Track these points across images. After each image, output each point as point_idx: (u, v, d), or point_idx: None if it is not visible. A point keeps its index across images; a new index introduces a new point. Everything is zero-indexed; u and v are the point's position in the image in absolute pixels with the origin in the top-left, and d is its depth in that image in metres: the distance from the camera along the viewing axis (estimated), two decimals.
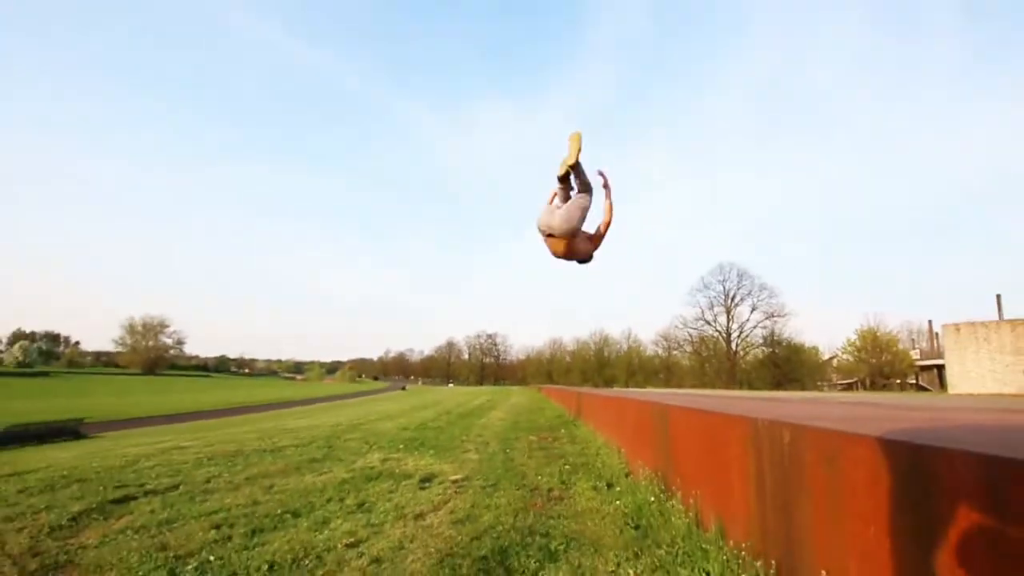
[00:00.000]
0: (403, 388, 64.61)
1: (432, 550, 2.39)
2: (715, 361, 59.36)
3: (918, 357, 45.89)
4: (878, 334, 49.48)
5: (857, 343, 51.68)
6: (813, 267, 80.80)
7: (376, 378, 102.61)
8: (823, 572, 1.38)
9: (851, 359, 52.07)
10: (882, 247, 75.41)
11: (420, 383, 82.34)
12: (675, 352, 66.51)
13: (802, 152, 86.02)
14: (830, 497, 1.38)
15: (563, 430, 7.41)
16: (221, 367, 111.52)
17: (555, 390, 17.19)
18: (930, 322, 46.79)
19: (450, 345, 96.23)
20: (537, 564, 2.19)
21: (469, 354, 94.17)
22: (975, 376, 21.06)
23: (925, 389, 40.54)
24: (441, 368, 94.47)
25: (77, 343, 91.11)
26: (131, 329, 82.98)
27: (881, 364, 48.10)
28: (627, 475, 3.84)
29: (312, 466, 4.61)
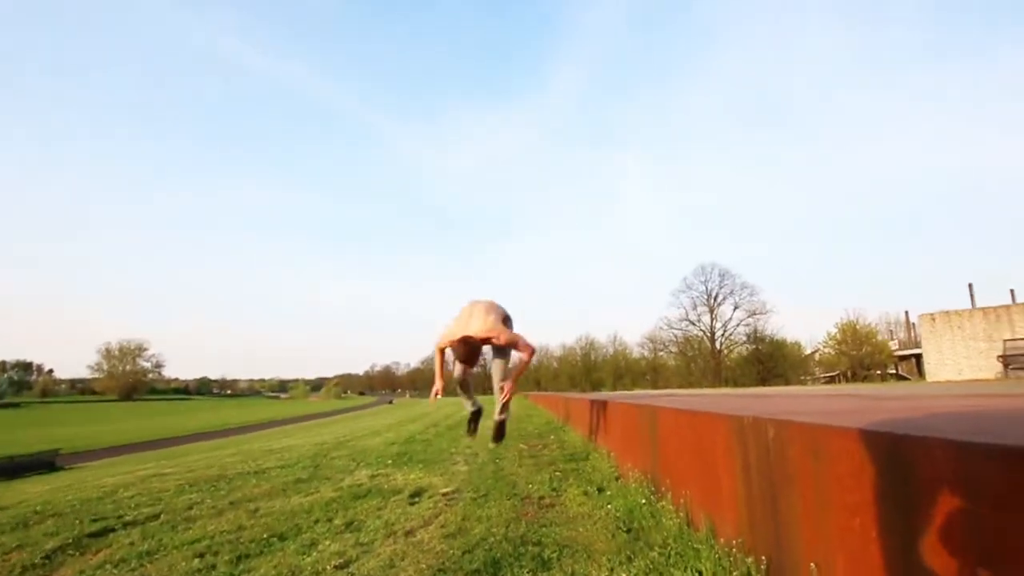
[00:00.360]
0: (390, 402, 63.86)
1: (424, 567, 2.35)
2: (700, 360, 60.00)
3: (896, 347, 46.98)
4: (857, 327, 50.58)
5: (838, 336, 52.74)
6: (793, 264, 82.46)
7: (362, 393, 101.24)
8: (812, 565, 1.39)
9: (832, 352, 53.06)
10: (859, 241, 77.32)
11: (408, 396, 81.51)
12: (661, 353, 67.04)
13: (778, 150, 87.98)
14: (816, 490, 1.40)
15: (552, 436, 7.38)
16: (202, 389, 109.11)
17: (543, 396, 17.18)
18: (907, 313, 47.99)
19: None
20: (530, 574, 2.16)
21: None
22: (951, 363, 21.60)
23: (904, 378, 41.45)
24: (429, 380, 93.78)
25: (51, 371, 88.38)
26: (107, 354, 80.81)
27: (861, 356, 49.13)
28: (617, 478, 3.83)
29: (298, 487, 4.51)
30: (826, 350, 54.45)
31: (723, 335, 57.56)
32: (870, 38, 78.09)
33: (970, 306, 23.92)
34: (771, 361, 54.38)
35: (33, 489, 7.41)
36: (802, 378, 53.87)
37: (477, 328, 3.79)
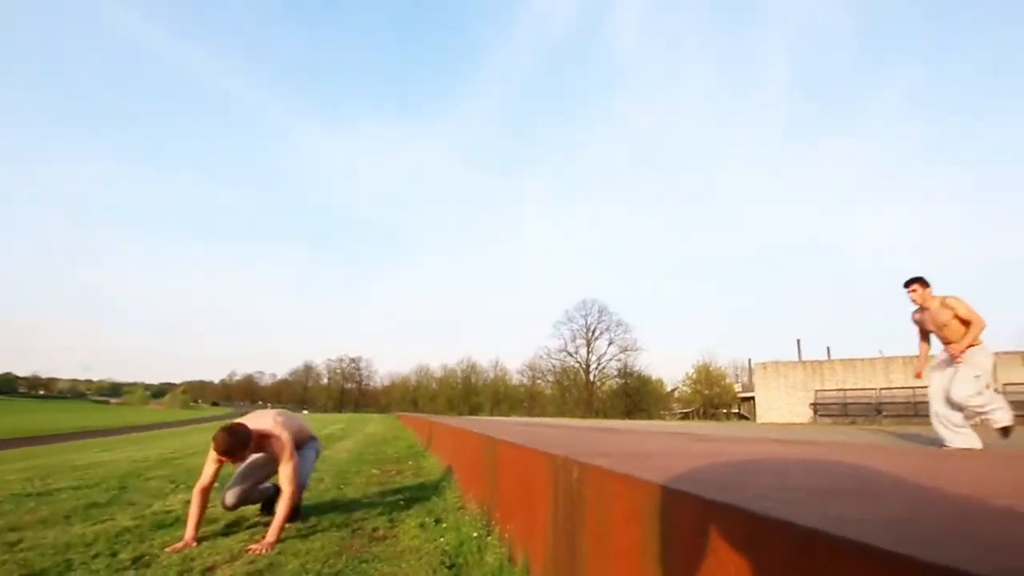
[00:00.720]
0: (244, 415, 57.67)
1: None
2: (575, 391, 62.97)
3: (740, 390, 53.23)
4: (711, 369, 56.73)
5: (694, 376, 58.56)
6: (663, 306, 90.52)
7: (216, 403, 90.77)
8: None
9: (689, 391, 58.70)
10: (722, 288, 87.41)
11: (270, 409, 74.59)
12: (539, 381, 69.27)
13: (659, 198, 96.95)
14: (600, 532, 1.45)
15: (411, 462, 7.15)
16: (6, 388, 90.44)
17: (412, 418, 16.70)
18: (750, 360, 54.67)
19: (307, 368, 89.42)
20: None
21: (329, 378, 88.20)
22: (776, 407, 24.93)
23: (745, 417, 46.95)
24: (296, 393, 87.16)
25: None
26: None
27: (712, 395, 55.06)
28: (459, 509, 3.77)
29: (88, 513, 3.82)
30: (684, 388, 60.13)
31: (597, 368, 61.23)
32: (746, 115, 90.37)
33: (796, 358, 27.89)
34: (637, 395, 58.82)
35: None
36: (662, 413, 58.76)
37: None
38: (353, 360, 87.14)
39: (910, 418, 21.21)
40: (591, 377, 61.21)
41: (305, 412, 65.12)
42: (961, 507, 0.95)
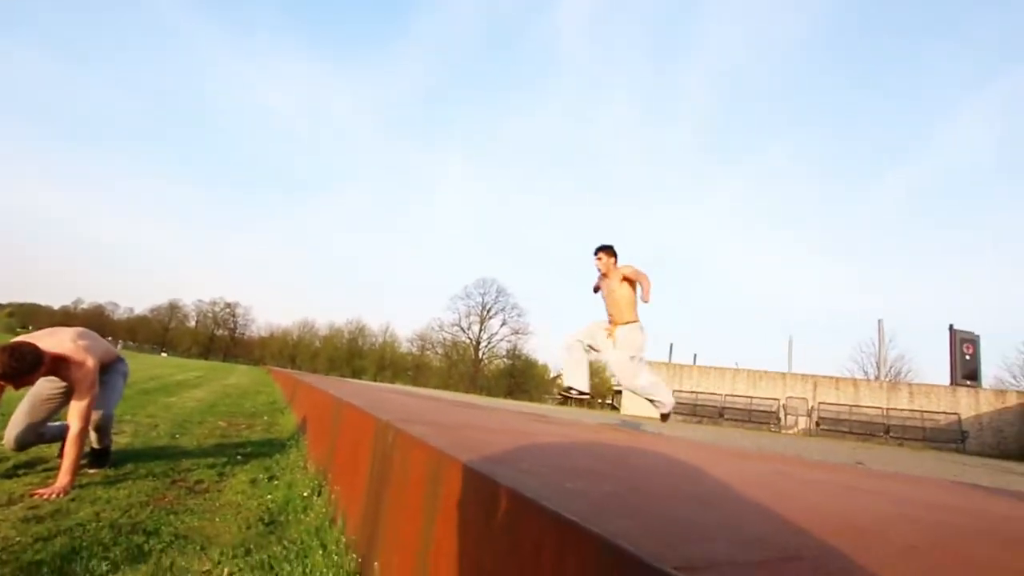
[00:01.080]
0: None
1: None
2: (462, 366, 63.75)
3: (616, 383, 57.29)
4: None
5: None
6: (555, 296, 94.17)
7: None
8: (376, 564, 1.48)
9: None
10: None
11: (120, 347, 66.65)
12: (428, 352, 69.06)
13: (565, 192, 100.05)
14: (400, 494, 1.50)
15: (266, 417, 6.80)
16: None
17: (284, 374, 15.87)
18: None
19: (173, 307, 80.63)
20: (109, 567, 1.85)
21: (198, 321, 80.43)
22: (638, 402, 27.25)
23: (615, 408, 50.74)
24: (156, 333, 78.44)
25: None
26: None
27: (591, 385, 58.45)
28: (300, 468, 3.67)
29: None
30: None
31: (487, 346, 62.41)
32: (660, 127, 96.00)
33: (667, 360, 30.60)
34: (522, 377, 61.07)
35: None
36: (544, 396, 61.59)
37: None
38: (229, 305, 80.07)
39: (745, 423, 24.38)
40: (480, 354, 62.33)
41: (164, 355, 58.96)
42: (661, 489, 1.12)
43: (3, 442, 3.05)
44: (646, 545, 0.54)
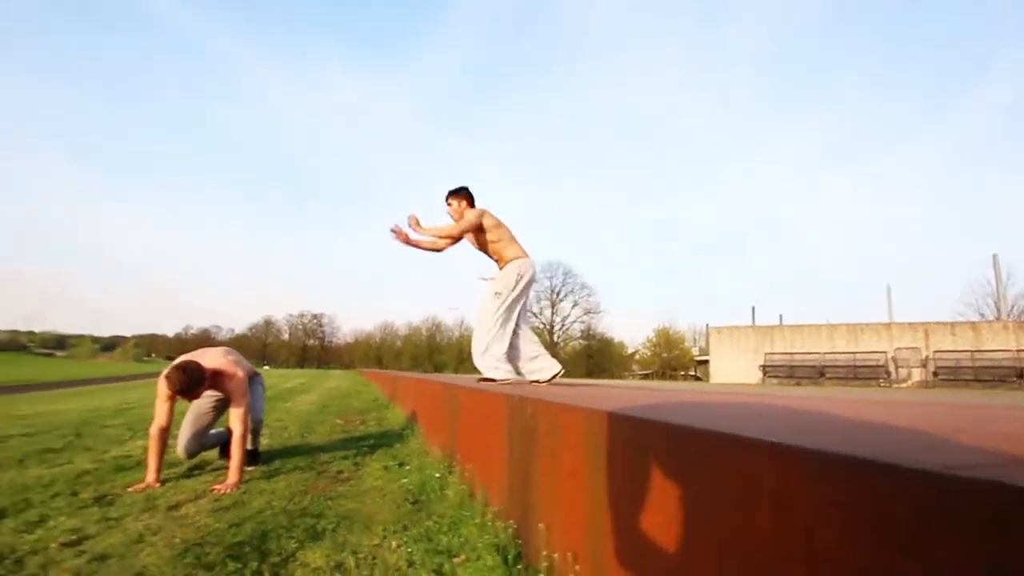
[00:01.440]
0: None
1: (177, 540, 2.14)
2: None
3: (697, 353, 55.43)
4: (670, 333, 58.65)
5: (654, 339, 60.42)
6: (626, 271, 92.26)
7: (170, 358, 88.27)
8: (540, 525, 1.58)
9: (649, 353, 60.66)
10: (686, 254, 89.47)
11: (216, 347, 73.14)
12: None
13: (625, 165, 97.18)
14: (553, 458, 1.58)
15: (374, 413, 7.28)
16: None
17: (377, 374, 16.82)
18: (707, 325, 57.13)
19: (268, 324, 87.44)
20: (297, 544, 2.10)
21: (290, 334, 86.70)
22: (728, 369, 26.24)
23: (699, 379, 49.24)
24: (255, 349, 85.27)
25: None
26: None
27: (670, 358, 57.15)
28: (423, 454, 3.92)
29: (43, 457, 3.78)
30: (644, 351, 62.13)
31: (561, 329, 62.38)
32: (717, 90, 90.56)
33: (750, 323, 29.20)
34: (600, 357, 60.57)
35: None
36: (624, 374, 60.81)
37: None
38: (316, 316, 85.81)
39: (850, 380, 22.71)
40: (555, 338, 62.48)
41: (265, 367, 64.26)
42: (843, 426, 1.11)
43: (177, 452, 3.51)
44: (892, 456, 0.56)
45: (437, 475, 3.09)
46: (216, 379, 3.19)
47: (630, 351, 65.58)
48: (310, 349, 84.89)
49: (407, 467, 3.50)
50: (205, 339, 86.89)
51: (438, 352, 74.30)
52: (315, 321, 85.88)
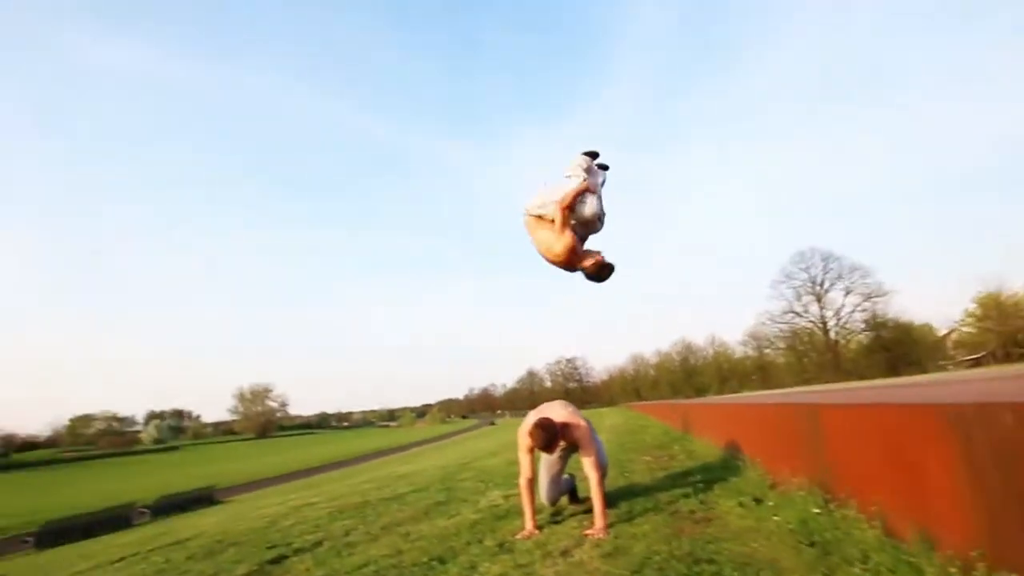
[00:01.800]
0: (492, 423, 64.97)
1: None
2: (814, 354, 54.97)
3: None
4: (1002, 298, 43.87)
5: (978, 312, 46.04)
6: (906, 237, 73.52)
7: (464, 416, 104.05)
8: None
9: (973, 331, 46.29)
10: (982, 199, 67.45)
11: (507, 416, 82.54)
12: (767, 351, 62.33)
13: (850, 121, 79.52)
14: None
15: (676, 446, 7.04)
16: (323, 423, 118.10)
17: (650, 406, 16.53)
18: None
19: (531, 375, 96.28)
20: None
21: (552, 381, 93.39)
22: None
23: None
24: (525, 399, 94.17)
25: (198, 416, 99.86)
26: (242, 398, 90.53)
27: (1013, 331, 42.41)
28: (772, 487, 3.54)
29: (439, 509, 4.66)
30: (965, 329, 47.65)
31: (837, 324, 52.34)
32: None
33: None
34: (899, 347, 48.33)
35: (204, 521, 8.35)
36: (941, 363, 47.34)
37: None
38: (569, 360, 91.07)
39: None
40: (831, 335, 52.55)
41: None
42: None
43: (541, 500, 3.88)
44: None
45: (816, 511, 2.70)
46: (565, 431, 3.47)
47: (942, 333, 50.64)
48: (571, 392, 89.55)
49: (767, 503, 3.18)
50: (487, 397, 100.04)
51: (696, 374, 70.03)
52: (569, 365, 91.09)
